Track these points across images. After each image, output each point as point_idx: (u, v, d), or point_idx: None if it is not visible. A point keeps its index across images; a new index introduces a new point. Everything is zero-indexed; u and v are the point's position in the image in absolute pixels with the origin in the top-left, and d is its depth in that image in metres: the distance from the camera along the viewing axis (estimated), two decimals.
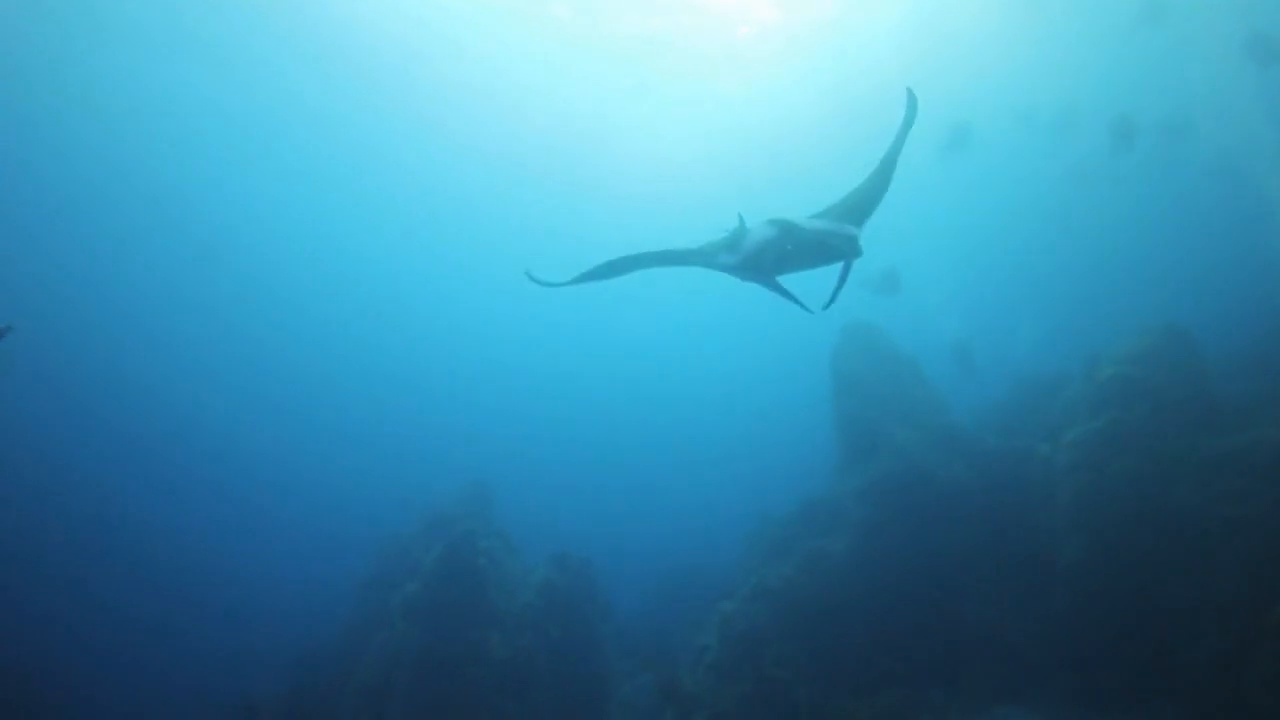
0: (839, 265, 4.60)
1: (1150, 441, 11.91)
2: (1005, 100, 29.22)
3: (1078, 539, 12.07)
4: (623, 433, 48.18)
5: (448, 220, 47.71)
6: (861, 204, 4.82)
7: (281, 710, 16.98)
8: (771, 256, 4.63)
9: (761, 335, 45.71)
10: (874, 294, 18.28)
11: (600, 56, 31.38)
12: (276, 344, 53.62)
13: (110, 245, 46.57)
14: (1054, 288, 35.09)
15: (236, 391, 49.55)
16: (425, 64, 31.94)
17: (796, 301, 4.81)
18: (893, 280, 18.88)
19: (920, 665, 12.48)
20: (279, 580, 29.37)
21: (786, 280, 4.87)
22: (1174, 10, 25.27)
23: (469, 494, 20.40)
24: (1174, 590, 10.84)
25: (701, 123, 36.27)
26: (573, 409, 51.29)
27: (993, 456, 14.55)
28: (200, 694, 18.89)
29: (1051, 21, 29.65)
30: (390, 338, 56.44)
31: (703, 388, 50.40)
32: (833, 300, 4.66)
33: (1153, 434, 12.03)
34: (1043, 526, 12.92)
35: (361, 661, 16.66)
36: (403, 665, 15.37)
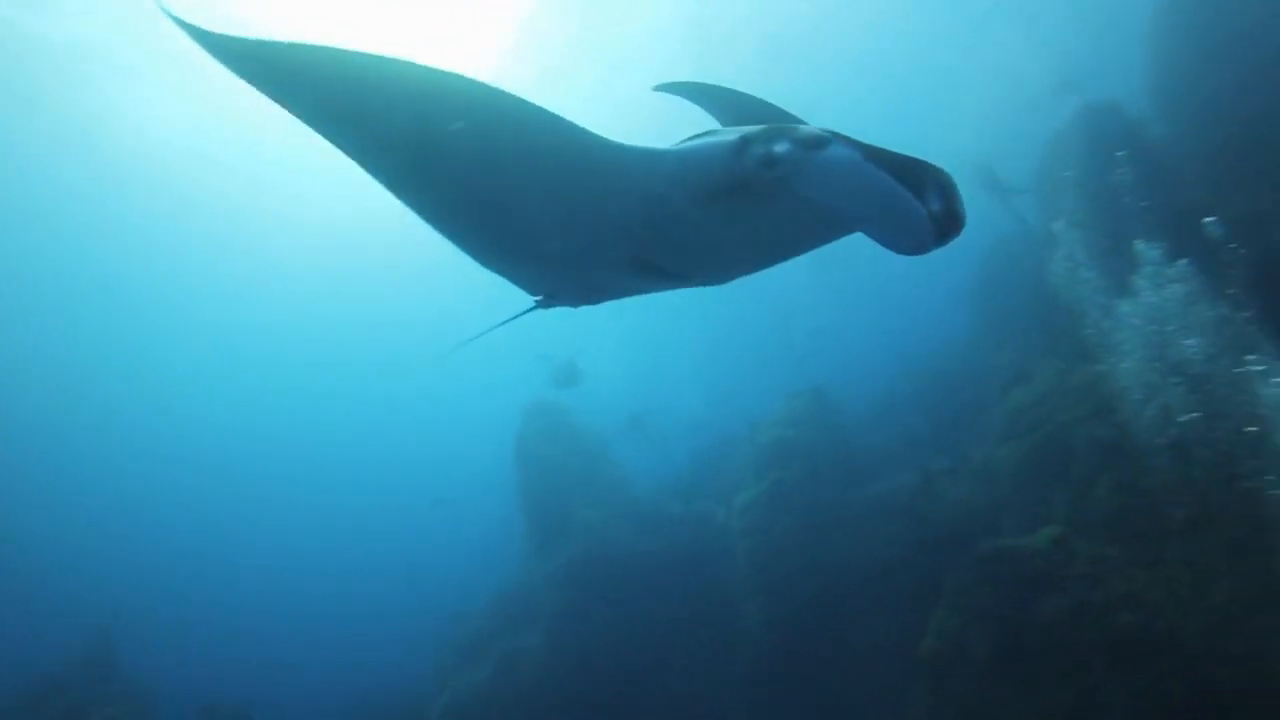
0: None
1: (808, 498, 12.90)
2: None
3: (755, 599, 12.62)
4: (284, 550, 42.44)
5: None
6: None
7: None
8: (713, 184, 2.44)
9: (435, 424, 43.79)
10: (557, 388, 18.17)
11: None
12: None
13: None
14: (722, 353, 38.18)
15: None
16: None
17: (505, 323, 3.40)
18: (572, 372, 18.98)
19: None
20: None
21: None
22: None
23: (86, 650, 16.18)
24: (842, 636, 11.65)
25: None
26: (226, 528, 44.12)
27: (677, 524, 14.95)
28: None
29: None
30: None
31: (373, 484, 45.12)
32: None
33: (809, 491, 13.04)
34: (727, 589, 13.40)
35: None
36: None
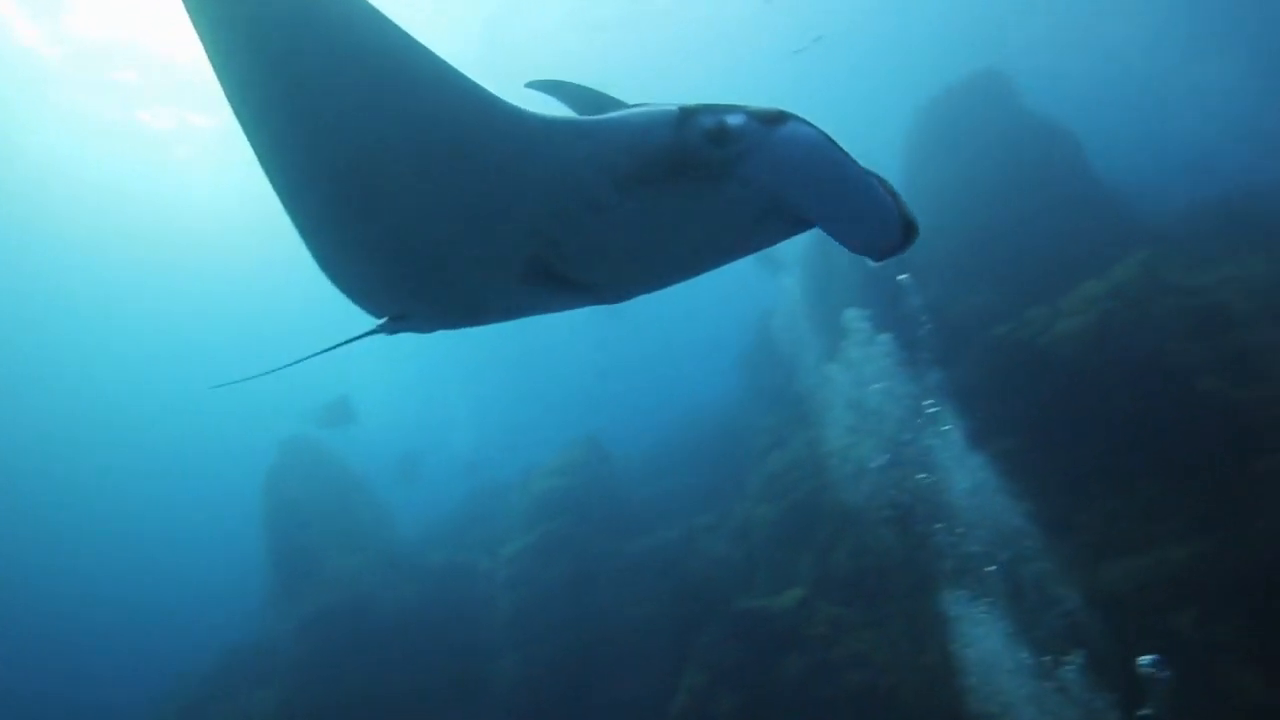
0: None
1: (575, 551, 12.79)
2: None
3: (514, 654, 12.27)
4: None
5: None
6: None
7: None
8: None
9: (178, 457, 39.07)
10: (326, 427, 16.62)
11: None
12: None
13: None
14: (503, 391, 37.50)
15: None
16: None
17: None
18: (344, 410, 17.51)
19: None
20: None
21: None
22: None
23: None
24: (599, 692, 11.54)
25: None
26: None
27: (440, 574, 14.27)
28: None
29: None
30: None
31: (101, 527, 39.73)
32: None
33: (578, 543, 12.95)
34: (487, 644, 12.91)
35: None
36: None
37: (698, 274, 2.34)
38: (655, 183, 1.99)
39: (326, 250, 2.36)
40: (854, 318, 11.08)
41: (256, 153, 2.07)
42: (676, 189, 1.99)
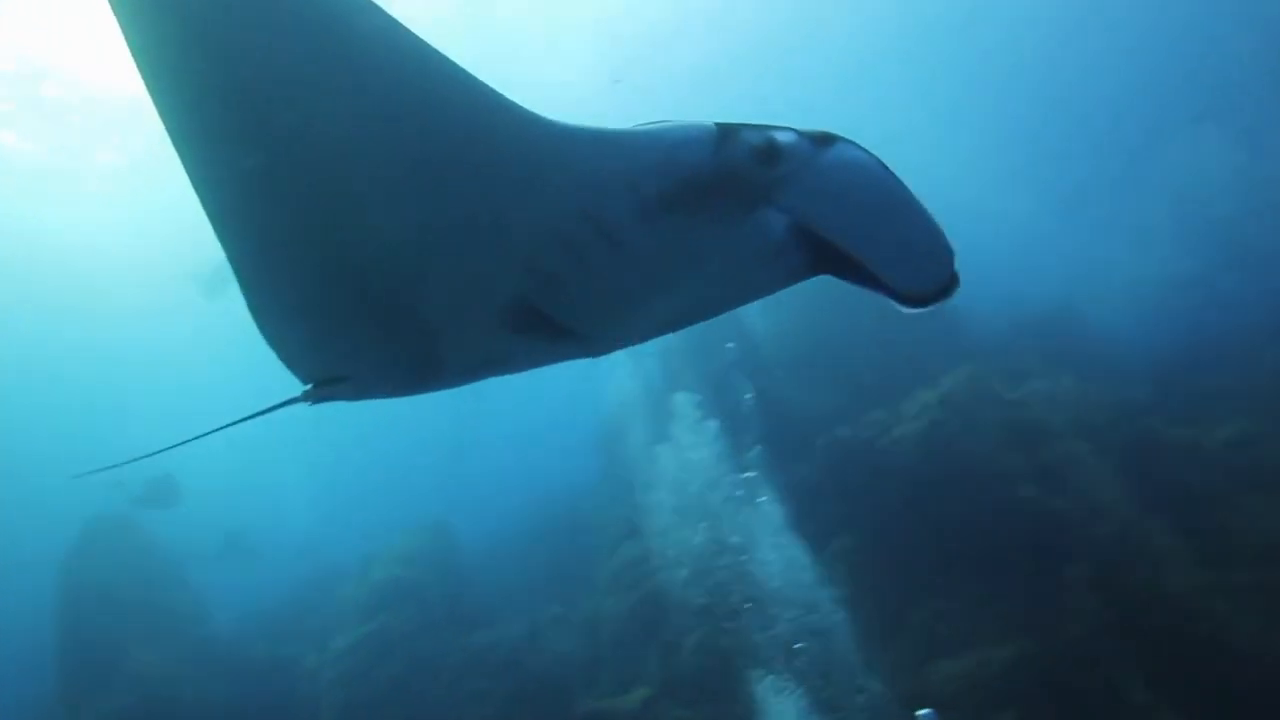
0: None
1: (414, 644, 12.06)
2: None
3: None
4: None
5: None
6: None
7: None
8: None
9: None
10: (147, 507, 14.98)
11: None
12: None
13: None
14: (344, 465, 35.46)
15: None
16: None
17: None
18: (168, 488, 15.90)
19: None
20: None
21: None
22: None
23: None
24: None
25: None
26: None
27: (258, 670, 13.08)
28: None
29: None
30: None
31: None
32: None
33: (415, 638, 12.23)
34: None
35: None
36: None
37: (695, 322, 2.10)
38: (682, 210, 1.73)
39: (273, 286, 1.93)
40: (684, 402, 11.43)
41: (191, 155, 1.66)
42: (704, 218, 1.75)
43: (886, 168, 1.72)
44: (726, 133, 1.72)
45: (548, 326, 1.94)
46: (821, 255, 1.80)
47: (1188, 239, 17.71)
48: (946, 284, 1.80)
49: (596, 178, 1.70)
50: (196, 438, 2.46)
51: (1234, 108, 25.08)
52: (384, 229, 1.75)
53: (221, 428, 2.36)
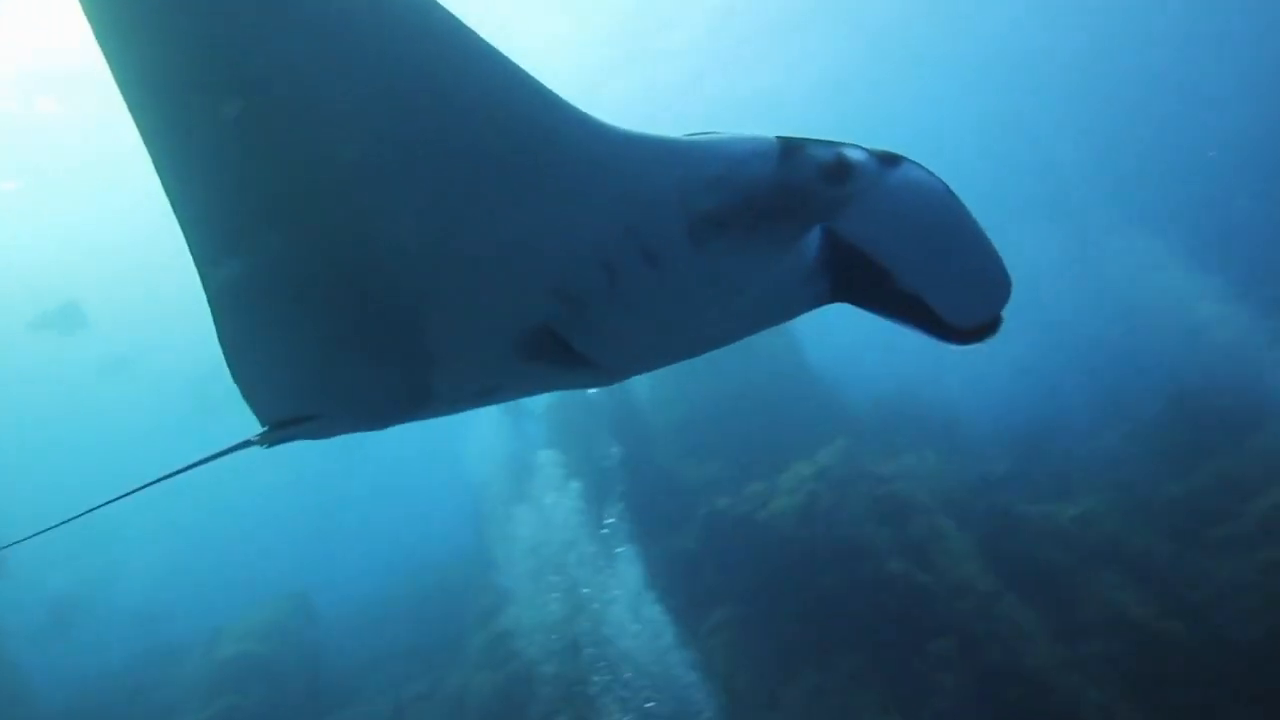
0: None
1: None
2: None
3: None
4: None
5: None
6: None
7: None
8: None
9: None
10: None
11: None
12: None
13: None
14: (193, 531, 33.04)
15: None
16: None
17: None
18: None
19: None
20: None
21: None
22: None
23: None
24: None
25: None
26: None
27: None
28: None
29: None
30: None
31: None
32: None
33: (269, 718, 11.33)
34: None
35: None
36: None
37: (712, 349, 1.97)
38: (735, 230, 1.59)
39: (259, 310, 1.68)
40: (548, 461, 11.41)
41: (171, 151, 1.41)
42: (755, 239, 1.61)
43: (952, 192, 1.65)
44: (791, 147, 1.62)
45: (563, 355, 1.77)
46: (849, 281, 1.72)
47: (1026, 330, 19.28)
48: (996, 319, 1.73)
49: (649, 191, 1.54)
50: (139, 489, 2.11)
51: (1063, 203, 27.73)
52: (397, 241, 1.53)
53: (162, 478, 2.03)
